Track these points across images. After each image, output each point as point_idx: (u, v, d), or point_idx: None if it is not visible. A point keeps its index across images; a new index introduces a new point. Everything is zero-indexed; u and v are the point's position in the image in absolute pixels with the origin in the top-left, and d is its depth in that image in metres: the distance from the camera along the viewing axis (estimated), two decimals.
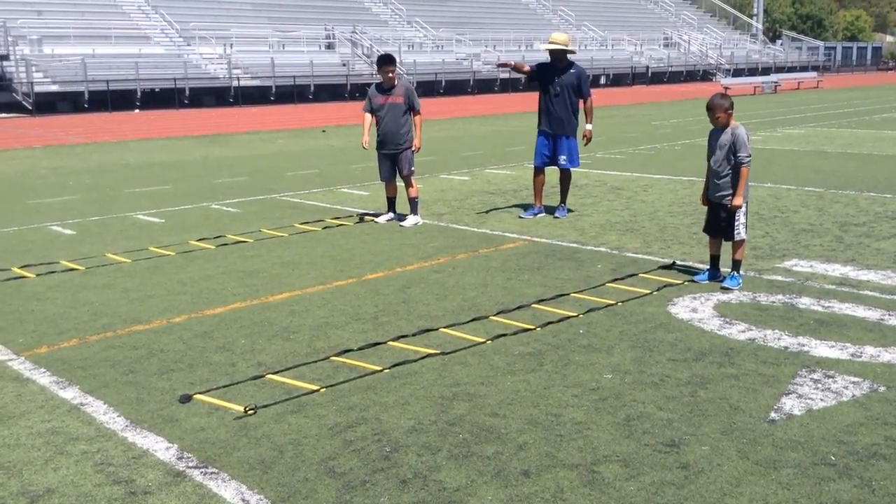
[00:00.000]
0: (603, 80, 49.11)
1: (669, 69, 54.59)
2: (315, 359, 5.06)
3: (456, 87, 41.68)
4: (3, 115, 29.97)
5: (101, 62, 31.83)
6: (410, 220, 9.19)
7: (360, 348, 5.22)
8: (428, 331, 5.54)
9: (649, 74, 52.66)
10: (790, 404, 4.31)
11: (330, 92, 37.59)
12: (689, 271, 6.94)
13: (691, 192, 10.98)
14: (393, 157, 9.19)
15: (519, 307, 6.04)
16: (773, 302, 6.09)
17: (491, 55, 44.70)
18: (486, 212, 9.90)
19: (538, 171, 9.57)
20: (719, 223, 6.51)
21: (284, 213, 10.11)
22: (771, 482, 3.53)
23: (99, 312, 6.13)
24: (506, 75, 43.53)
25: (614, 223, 9.15)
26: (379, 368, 4.85)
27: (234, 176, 13.72)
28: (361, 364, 4.93)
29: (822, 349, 5.11)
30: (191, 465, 3.77)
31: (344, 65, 38.99)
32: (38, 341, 5.52)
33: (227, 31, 37.70)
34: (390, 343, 5.31)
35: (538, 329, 5.54)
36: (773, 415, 4.19)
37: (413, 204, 9.24)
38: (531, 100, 9.67)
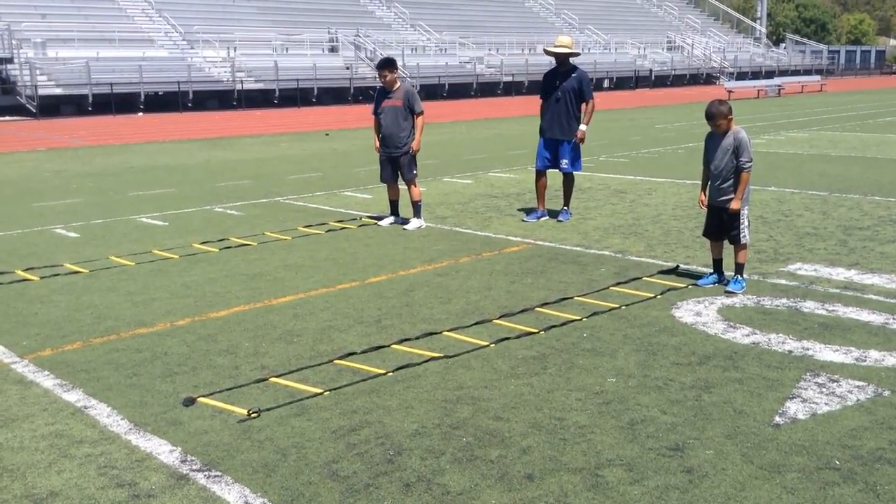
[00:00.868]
0: (606, 84, 49.12)
1: (673, 73, 54.59)
2: (318, 362, 5.06)
3: (459, 91, 41.72)
4: (7, 118, 30.04)
5: (105, 65, 31.90)
6: (414, 224, 9.19)
7: (363, 351, 5.22)
8: (431, 334, 5.54)
9: (652, 78, 52.65)
10: (794, 408, 4.30)
11: (333, 95, 37.64)
12: (693, 275, 6.94)
13: (695, 195, 10.96)
14: (394, 160, 9.21)
15: (522, 311, 6.03)
16: (777, 306, 6.08)
17: (494, 58, 44.76)
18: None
19: (540, 175, 9.57)
20: (720, 227, 6.51)
21: (288, 217, 10.12)
22: (775, 486, 3.52)
23: (102, 315, 6.14)
24: (509, 78, 43.57)
25: (618, 227, 9.15)
26: (382, 372, 4.85)
27: (237, 179, 13.74)
28: (365, 367, 4.93)
29: (826, 353, 5.10)
30: (194, 468, 3.76)
31: (347, 68, 39.03)
32: (41, 344, 5.52)
33: (230, 34, 37.76)
34: (394, 346, 5.31)
35: (541, 332, 5.54)
36: (777, 419, 4.18)
37: (416, 207, 9.24)
38: (534, 103, 9.67)
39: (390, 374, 4.83)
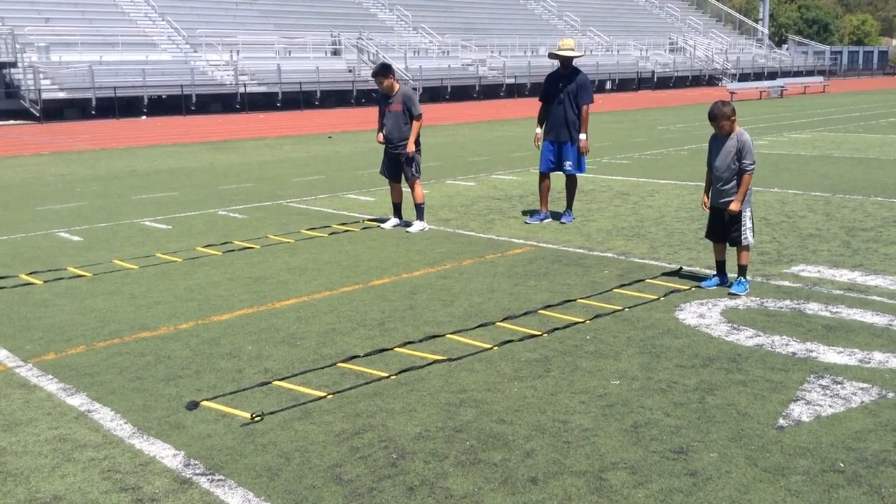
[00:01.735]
0: (609, 86, 49.10)
1: (675, 74, 54.56)
2: (322, 365, 5.06)
3: (462, 93, 41.73)
4: (11, 122, 30.11)
5: (109, 69, 31.95)
6: (417, 226, 9.19)
7: (366, 354, 5.22)
8: (434, 337, 5.54)
9: (655, 79, 52.63)
10: (798, 411, 4.29)
11: (336, 98, 37.66)
12: (696, 277, 6.93)
13: (698, 197, 10.95)
14: (395, 158, 9.25)
15: (525, 313, 6.03)
16: (781, 307, 6.07)
17: (496, 61, 44.76)
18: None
19: (543, 177, 9.57)
20: (722, 228, 6.50)
21: (291, 220, 10.12)
22: (779, 489, 3.51)
23: (106, 319, 6.15)
24: (511, 81, 43.59)
25: (621, 228, 9.14)
26: (385, 375, 4.85)
27: (240, 182, 13.75)
28: (368, 370, 4.93)
29: (830, 355, 5.09)
30: (198, 472, 3.76)
31: (350, 71, 39.05)
32: (45, 348, 5.53)
33: (233, 37, 37.82)
34: (397, 349, 5.31)
35: (545, 335, 5.54)
36: (781, 421, 4.17)
37: (419, 210, 9.25)
38: (537, 106, 9.67)
39: (393, 377, 4.83)
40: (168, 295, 6.78)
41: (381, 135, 9.42)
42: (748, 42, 69.68)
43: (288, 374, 4.90)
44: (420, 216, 9.27)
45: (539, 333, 5.55)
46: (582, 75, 9.35)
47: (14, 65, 31.08)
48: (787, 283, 6.72)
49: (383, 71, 9.15)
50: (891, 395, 4.47)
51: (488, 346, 5.33)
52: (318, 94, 36.77)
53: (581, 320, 5.82)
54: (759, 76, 57.88)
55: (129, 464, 3.85)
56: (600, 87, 46.91)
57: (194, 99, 33.42)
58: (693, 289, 6.59)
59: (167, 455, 3.93)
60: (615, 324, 5.77)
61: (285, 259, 7.98)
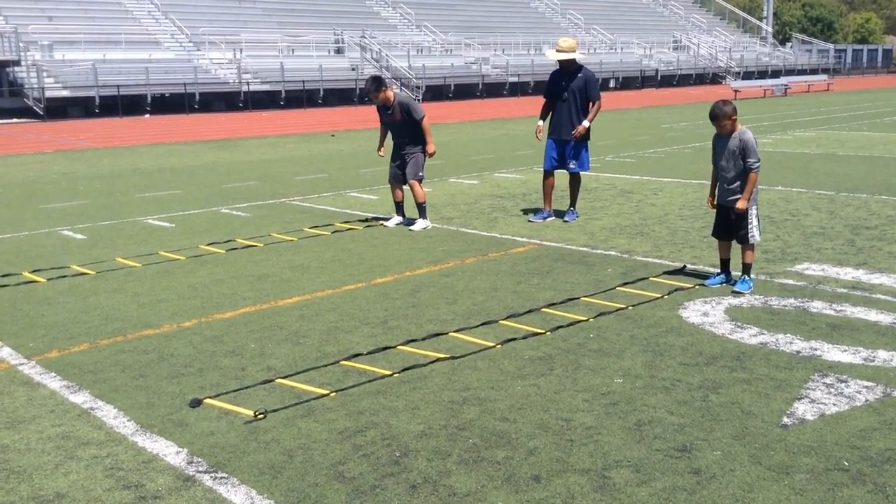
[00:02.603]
0: (612, 84, 49.05)
1: (679, 72, 54.48)
2: (325, 363, 5.06)
3: (465, 91, 41.71)
4: (15, 120, 30.14)
5: (112, 67, 31.98)
6: (420, 225, 9.18)
7: (369, 352, 5.21)
8: (437, 335, 5.53)
9: (658, 77, 52.58)
10: (803, 409, 4.28)
11: (339, 96, 37.66)
12: (700, 275, 6.91)
13: (701, 195, 10.93)
14: (402, 157, 9.29)
15: (529, 311, 6.02)
16: (785, 306, 6.06)
17: (500, 59, 44.73)
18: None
19: (547, 175, 9.56)
20: (729, 226, 6.49)
21: (294, 218, 10.12)
22: (784, 487, 3.50)
23: (109, 317, 6.15)
24: (515, 79, 43.56)
25: (624, 227, 9.13)
26: (388, 373, 4.85)
27: (243, 180, 13.75)
28: (371, 368, 4.93)
29: (834, 353, 5.07)
30: (200, 469, 3.76)
31: (353, 69, 39.05)
32: (48, 346, 5.53)
33: (236, 36, 37.83)
34: (400, 347, 5.30)
35: (548, 333, 5.53)
36: (785, 419, 4.16)
37: (421, 209, 9.24)
38: (541, 104, 9.65)
39: (396, 375, 4.83)
40: (171, 293, 6.78)
41: (381, 150, 9.54)
42: (752, 40, 69.58)
43: (291, 372, 4.90)
44: (422, 215, 9.26)
45: (542, 331, 5.55)
46: (586, 71, 9.30)
47: (17, 63, 31.11)
48: (791, 282, 6.71)
49: (375, 86, 9.04)
50: (895, 393, 4.46)
51: (491, 344, 5.33)
52: (322, 92, 36.77)
53: (584, 318, 5.81)
54: (762, 74, 57.79)
55: (132, 461, 3.85)
56: (604, 85, 46.79)
57: (197, 97, 33.45)
58: (697, 287, 6.57)
59: (170, 453, 3.93)
60: (618, 322, 5.76)
61: (288, 257, 7.98)
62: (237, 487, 3.60)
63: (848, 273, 6.95)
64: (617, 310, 6.01)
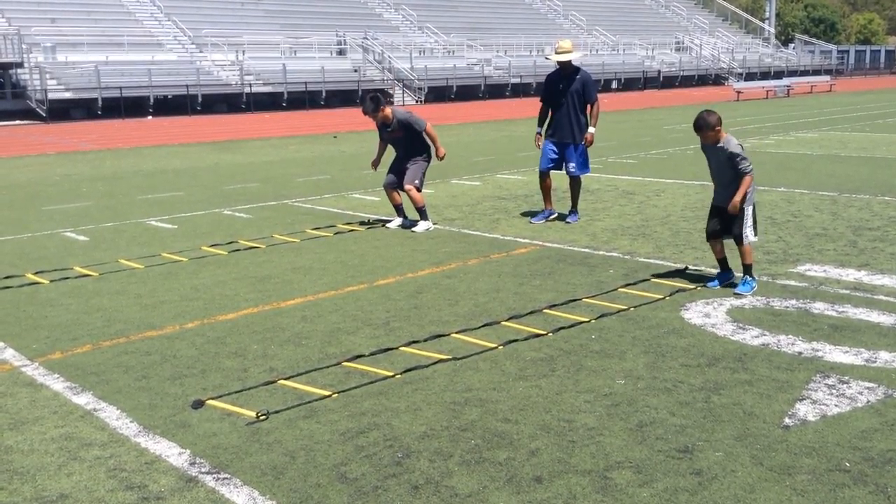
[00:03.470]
0: (614, 85, 49.04)
1: (681, 73, 54.47)
2: (327, 364, 5.07)
3: (467, 93, 41.72)
4: (17, 122, 30.20)
5: (115, 69, 32.04)
6: (422, 226, 9.19)
7: (371, 354, 5.22)
8: (439, 336, 5.54)
9: (661, 79, 52.55)
10: (804, 410, 4.28)
11: (341, 98, 37.69)
12: (702, 276, 6.92)
13: (703, 196, 10.93)
14: (404, 165, 9.32)
15: (531, 312, 6.03)
16: (787, 307, 6.06)
17: (502, 60, 44.75)
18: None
19: (544, 176, 9.55)
20: (724, 225, 6.50)
21: (296, 219, 10.14)
22: (785, 488, 3.51)
23: (112, 318, 6.16)
24: (517, 80, 43.56)
25: (626, 228, 9.13)
26: (391, 374, 4.85)
27: (246, 182, 13.77)
28: (373, 369, 4.94)
29: (836, 354, 5.07)
30: (203, 470, 3.77)
31: (355, 71, 39.10)
32: (51, 347, 5.54)
33: (239, 37, 37.88)
34: (402, 348, 5.31)
35: (550, 334, 5.53)
36: (787, 420, 4.16)
37: (421, 213, 9.24)
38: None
39: (398, 376, 4.83)
40: (174, 294, 6.79)
41: (377, 167, 9.62)
42: (754, 41, 69.54)
43: (293, 374, 4.91)
44: (424, 217, 9.27)
45: (544, 333, 5.55)
46: (583, 73, 9.30)
47: (20, 65, 31.18)
48: (793, 283, 6.71)
49: (373, 106, 8.93)
50: None
51: (493, 345, 5.33)
52: (324, 94, 36.82)
53: (586, 320, 5.82)
54: (765, 75, 57.74)
55: (135, 462, 3.86)
56: (606, 87, 46.83)
57: (200, 99, 33.50)
58: (699, 288, 6.58)
59: (173, 454, 3.94)
60: (620, 323, 5.76)
61: (290, 259, 7.99)
62: (239, 488, 3.61)
63: (850, 274, 6.94)
64: (619, 311, 6.02)
